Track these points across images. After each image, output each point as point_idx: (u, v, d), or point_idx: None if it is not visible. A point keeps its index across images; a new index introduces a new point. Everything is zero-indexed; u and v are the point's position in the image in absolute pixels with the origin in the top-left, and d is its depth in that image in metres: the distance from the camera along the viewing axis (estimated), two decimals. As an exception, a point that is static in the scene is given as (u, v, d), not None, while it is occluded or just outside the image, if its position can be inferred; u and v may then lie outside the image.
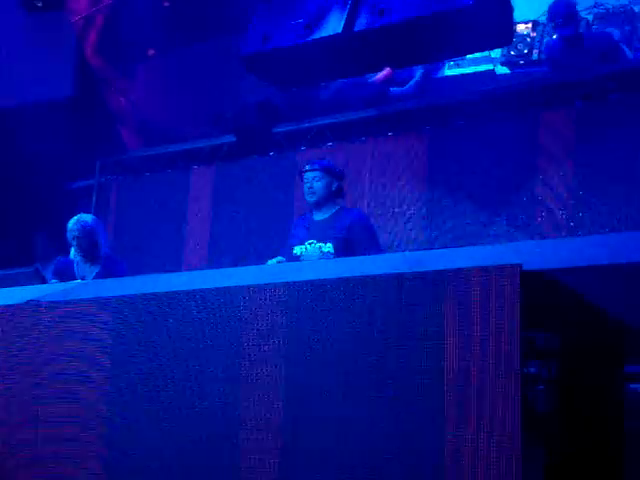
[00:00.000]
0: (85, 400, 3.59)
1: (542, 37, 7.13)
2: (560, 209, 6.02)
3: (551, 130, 6.21)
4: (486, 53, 7.22)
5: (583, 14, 6.91)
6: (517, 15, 6.06)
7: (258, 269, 3.80)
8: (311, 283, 3.17)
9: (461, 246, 5.80)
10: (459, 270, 2.90)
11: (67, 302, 3.74)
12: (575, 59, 6.46)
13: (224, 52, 7.82)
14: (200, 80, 8.15)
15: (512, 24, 5.91)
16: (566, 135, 6.13)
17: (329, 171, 5.17)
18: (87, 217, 5.79)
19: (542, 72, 6.99)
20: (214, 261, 7.31)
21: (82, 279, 5.54)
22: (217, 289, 3.38)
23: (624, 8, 7.05)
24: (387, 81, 7.41)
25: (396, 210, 6.62)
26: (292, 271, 3.53)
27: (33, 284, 4.62)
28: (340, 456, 2.99)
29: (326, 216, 5.15)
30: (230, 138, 7.60)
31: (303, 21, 5.86)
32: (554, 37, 6.81)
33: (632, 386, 3.38)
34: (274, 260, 4.97)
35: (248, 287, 3.31)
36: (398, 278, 3.00)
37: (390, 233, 6.56)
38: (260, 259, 5.91)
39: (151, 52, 8.62)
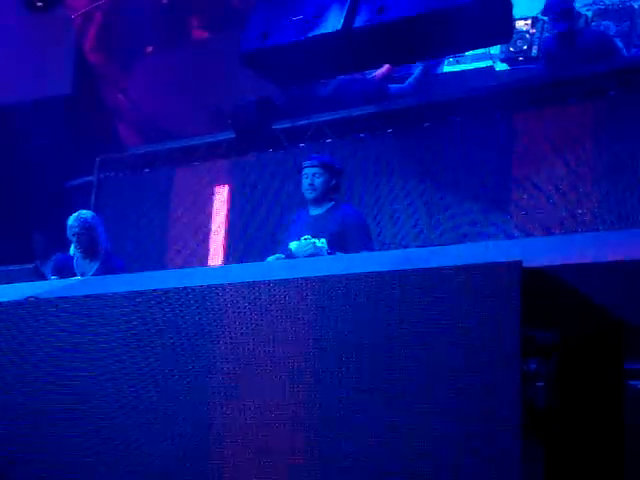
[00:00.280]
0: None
1: (541, 33, 7.12)
2: (561, 206, 6.02)
3: (551, 127, 6.20)
4: (485, 50, 7.22)
5: (583, 10, 6.90)
6: (516, 11, 6.05)
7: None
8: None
9: (461, 243, 5.80)
10: (459, 267, 2.90)
11: (67, 299, 3.74)
12: (569, 55, 6.46)
13: (223, 49, 7.81)
14: (199, 77, 8.14)
15: (511, 21, 5.90)
16: (566, 132, 6.13)
17: (329, 167, 5.18)
18: (87, 213, 5.79)
19: (541, 68, 6.99)
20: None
21: (82, 275, 5.54)
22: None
23: (623, 4, 7.05)
24: (386, 78, 7.40)
25: (395, 207, 6.62)
26: (291, 269, 3.54)
27: (33, 281, 4.62)
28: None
29: (321, 211, 5.17)
30: (229, 135, 7.60)
31: (302, 18, 5.85)
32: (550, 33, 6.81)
33: (631, 383, 3.39)
34: (274, 257, 4.97)
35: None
36: (391, 274, 3.01)
37: (389, 230, 6.56)
38: (260, 256, 5.91)
39: (150, 49, 8.62)
